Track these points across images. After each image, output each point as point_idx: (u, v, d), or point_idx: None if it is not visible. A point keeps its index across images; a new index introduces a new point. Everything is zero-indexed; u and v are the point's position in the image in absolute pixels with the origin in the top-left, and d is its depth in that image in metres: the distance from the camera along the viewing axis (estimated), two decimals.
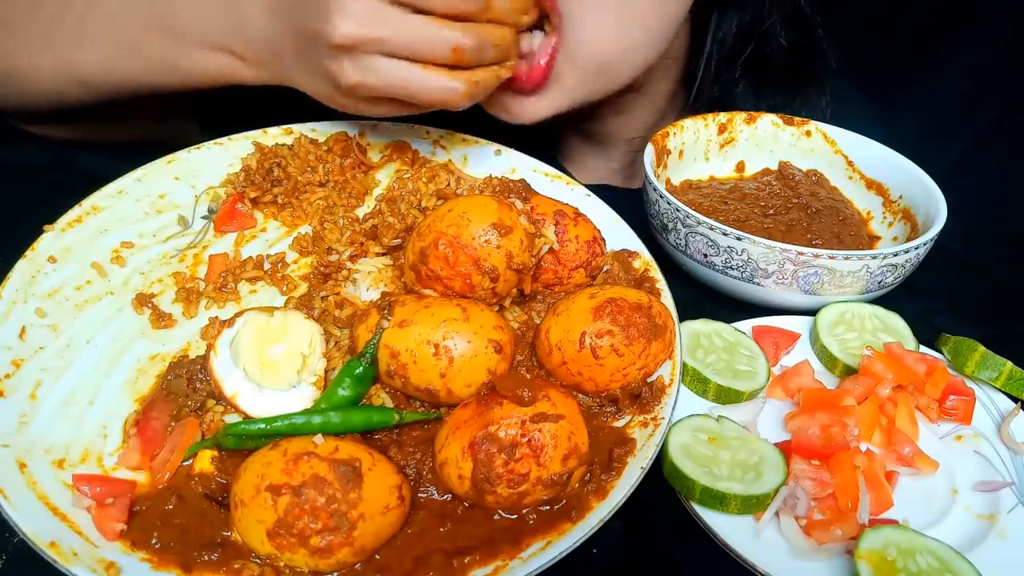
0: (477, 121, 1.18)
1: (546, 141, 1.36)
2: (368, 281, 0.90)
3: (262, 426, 0.71)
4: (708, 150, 1.21)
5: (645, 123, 1.30)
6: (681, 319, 0.87)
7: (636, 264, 0.95)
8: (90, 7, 1.02)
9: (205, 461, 0.72)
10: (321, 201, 1.00)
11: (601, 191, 1.04)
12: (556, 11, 0.94)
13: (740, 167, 1.24)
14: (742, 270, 0.97)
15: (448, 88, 0.83)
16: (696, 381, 0.87)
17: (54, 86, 1.07)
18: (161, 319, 0.86)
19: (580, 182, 1.06)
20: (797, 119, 1.21)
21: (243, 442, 0.71)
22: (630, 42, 1.01)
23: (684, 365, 0.86)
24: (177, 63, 0.99)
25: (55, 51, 1.04)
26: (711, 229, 0.95)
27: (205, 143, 1.04)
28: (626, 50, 1.02)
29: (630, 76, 1.07)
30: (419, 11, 0.80)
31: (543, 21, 0.96)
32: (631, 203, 1.06)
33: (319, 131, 1.08)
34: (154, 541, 0.66)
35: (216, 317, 0.86)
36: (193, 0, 0.96)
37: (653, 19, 1.02)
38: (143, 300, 0.87)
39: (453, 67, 0.84)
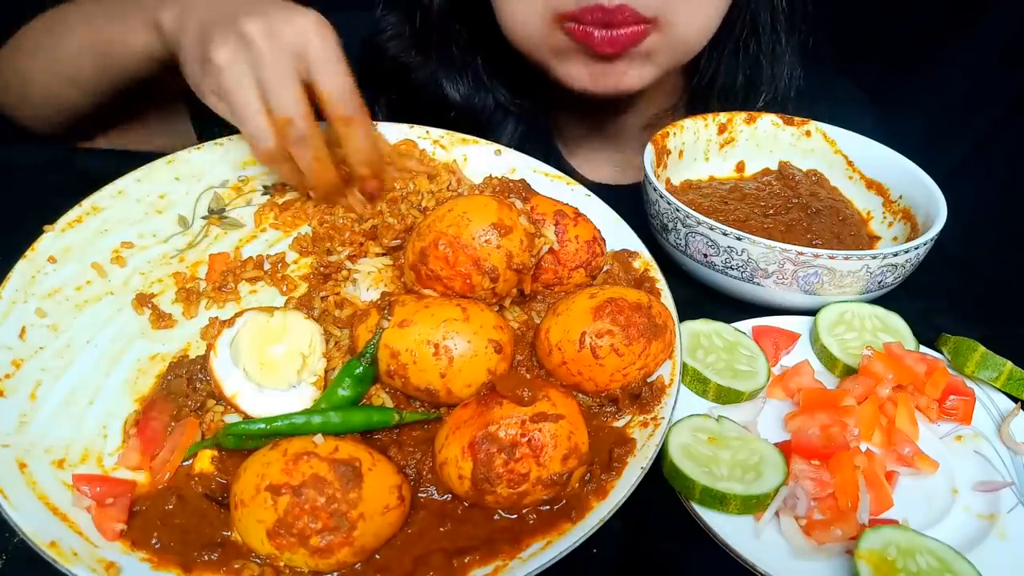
0: (479, 121, 1.19)
1: (552, 139, 1.37)
2: (368, 281, 0.90)
3: (262, 426, 0.71)
4: (708, 150, 1.21)
5: (653, 110, 1.31)
6: (681, 319, 0.87)
7: (636, 264, 0.95)
8: (76, 8, 1.14)
9: (205, 461, 0.72)
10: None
11: (601, 190, 1.04)
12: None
13: (740, 167, 1.24)
14: (742, 270, 0.97)
15: (259, 129, 0.88)
16: (696, 381, 0.87)
17: (50, 88, 1.16)
18: (161, 319, 0.86)
19: (581, 182, 1.06)
20: (797, 119, 1.21)
21: (243, 442, 0.71)
22: (709, 30, 1.14)
23: (684, 365, 0.86)
24: (125, 40, 1.05)
25: (46, 52, 1.14)
26: (711, 229, 0.95)
27: (205, 143, 1.04)
28: (705, 36, 1.15)
29: (698, 51, 1.19)
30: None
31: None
32: (632, 202, 1.06)
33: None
34: (154, 541, 0.66)
35: (216, 317, 0.86)
36: None
37: (720, 11, 1.13)
38: (143, 300, 0.87)
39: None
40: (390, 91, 1.30)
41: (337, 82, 0.89)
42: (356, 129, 0.92)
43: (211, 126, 1.10)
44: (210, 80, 0.89)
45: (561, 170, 1.07)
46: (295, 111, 0.87)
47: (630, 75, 1.11)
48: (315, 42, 0.87)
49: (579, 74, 1.12)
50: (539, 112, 1.31)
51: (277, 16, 0.87)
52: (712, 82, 1.28)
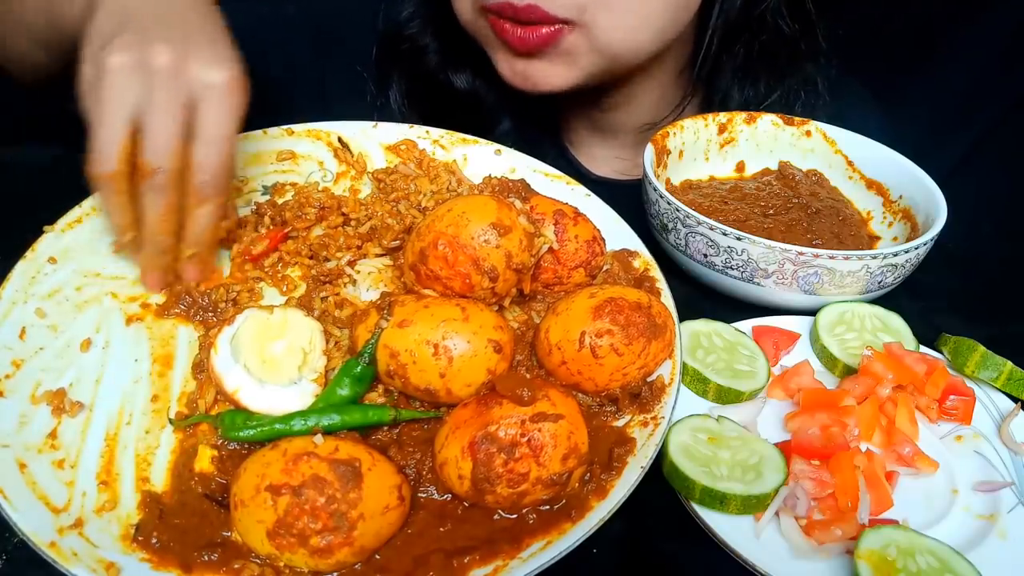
0: (479, 122, 1.19)
1: (556, 133, 1.37)
2: (368, 281, 0.90)
3: (260, 428, 0.72)
4: (708, 150, 1.21)
5: (652, 110, 1.31)
6: (681, 319, 0.87)
7: (636, 264, 0.95)
8: None
9: (205, 461, 0.73)
10: (318, 228, 0.99)
11: (606, 185, 1.04)
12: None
13: (740, 167, 1.24)
14: (742, 270, 0.97)
15: (109, 152, 0.77)
16: (696, 381, 0.87)
17: (18, 47, 1.09)
18: (161, 318, 0.86)
19: (586, 176, 1.06)
20: (797, 119, 1.21)
21: (243, 426, 0.72)
22: (640, 41, 1.10)
23: (684, 365, 0.86)
24: (59, 8, 0.97)
25: (9, 8, 1.06)
26: (711, 229, 0.95)
27: None
28: (637, 47, 1.11)
29: (637, 63, 1.15)
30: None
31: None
32: (637, 198, 1.06)
33: (320, 130, 1.08)
34: (154, 541, 0.66)
35: (217, 316, 0.86)
36: None
37: (661, 19, 1.09)
38: (143, 300, 0.87)
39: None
40: (405, 79, 1.30)
41: (213, 153, 0.79)
42: (205, 210, 0.81)
43: None
44: (90, 74, 0.78)
45: (565, 164, 1.07)
46: (164, 158, 0.77)
47: (550, 76, 1.10)
48: (215, 101, 0.78)
49: (504, 69, 1.13)
50: (542, 104, 1.31)
51: (195, 55, 0.78)
52: (714, 92, 1.27)
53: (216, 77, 0.78)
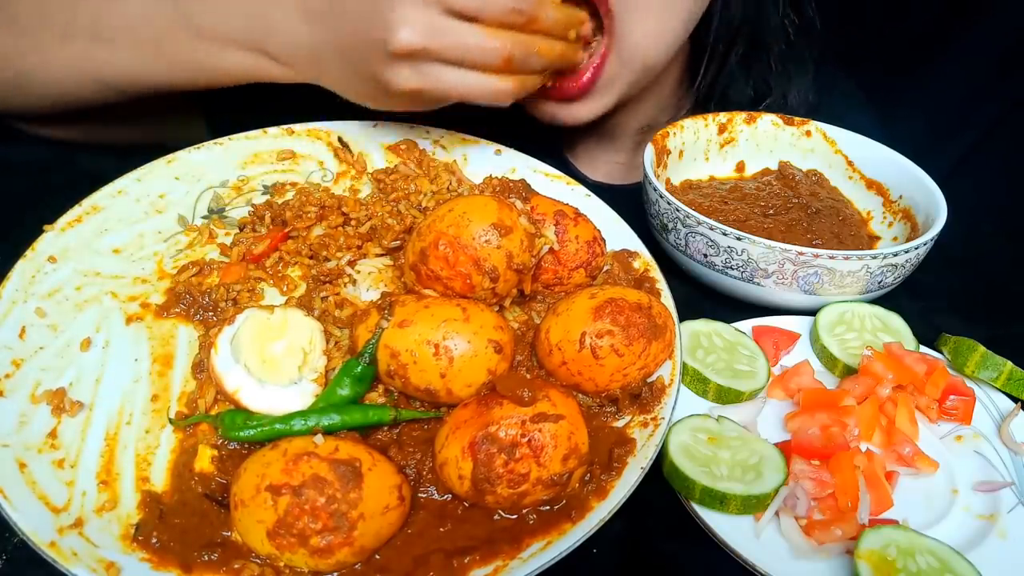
0: (479, 119, 1.18)
1: (552, 136, 1.37)
2: (368, 281, 0.90)
3: (260, 428, 0.72)
4: (708, 150, 1.21)
5: (650, 113, 1.31)
6: (681, 319, 0.87)
7: (636, 264, 0.95)
8: (106, 5, 1.02)
9: (205, 461, 0.73)
10: (319, 228, 0.99)
11: (602, 190, 1.04)
12: (610, 15, 1.01)
13: (740, 167, 1.24)
14: (742, 270, 0.97)
15: (500, 89, 0.89)
16: (696, 381, 0.87)
17: (69, 86, 1.07)
18: (161, 318, 0.86)
19: (582, 181, 1.06)
20: (797, 119, 1.21)
21: (243, 426, 0.72)
22: (671, 37, 1.09)
23: (684, 365, 0.86)
24: (203, 62, 1.01)
25: (72, 51, 1.04)
26: (711, 229, 0.95)
27: (205, 143, 1.04)
28: (667, 45, 1.09)
29: (664, 66, 1.14)
30: (471, 20, 0.85)
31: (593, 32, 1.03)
32: (632, 202, 1.06)
33: (320, 130, 1.08)
34: (154, 541, 0.66)
35: (217, 316, 0.86)
36: (220, 1, 0.98)
37: (686, 12, 1.08)
38: (143, 300, 0.87)
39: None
40: None
41: None
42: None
43: (222, 123, 1.09)
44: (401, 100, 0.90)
45: (562, 169, 1.07)
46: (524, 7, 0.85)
47: (585, 112, 1.10)
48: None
49: (541, 115, 1.12)
50: None
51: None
52: (712, 93, 1.27)
53: None
